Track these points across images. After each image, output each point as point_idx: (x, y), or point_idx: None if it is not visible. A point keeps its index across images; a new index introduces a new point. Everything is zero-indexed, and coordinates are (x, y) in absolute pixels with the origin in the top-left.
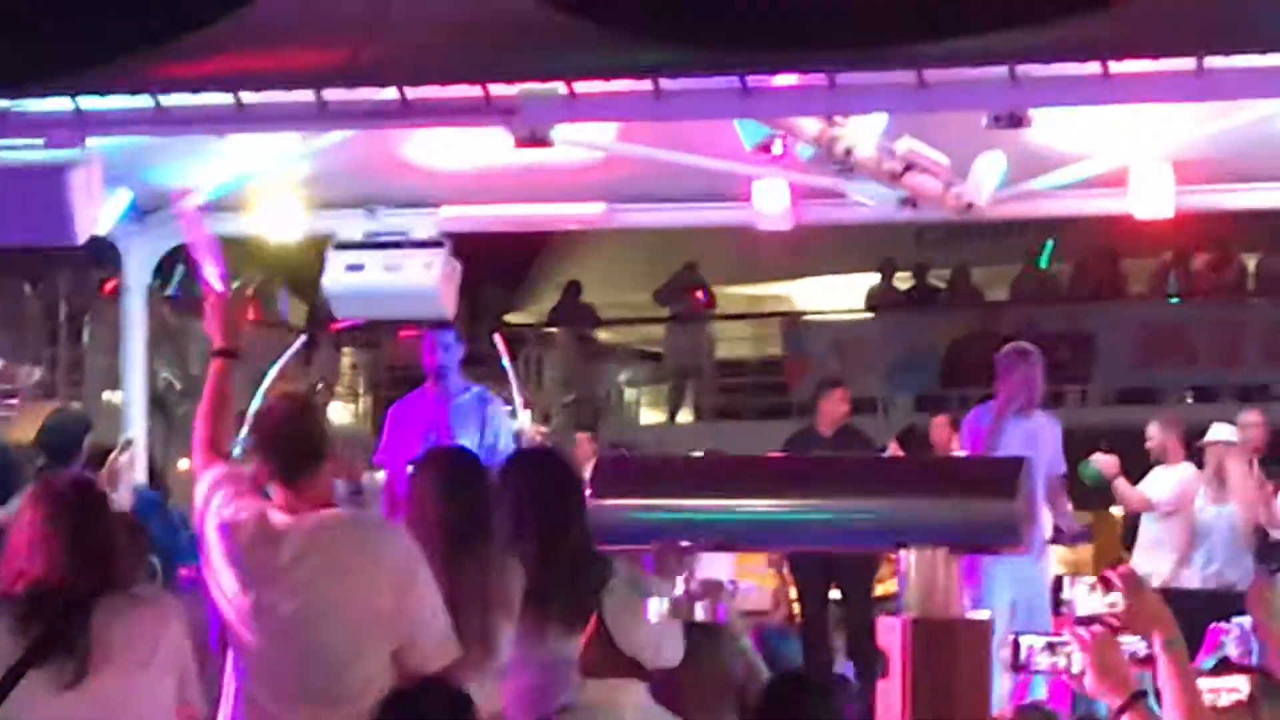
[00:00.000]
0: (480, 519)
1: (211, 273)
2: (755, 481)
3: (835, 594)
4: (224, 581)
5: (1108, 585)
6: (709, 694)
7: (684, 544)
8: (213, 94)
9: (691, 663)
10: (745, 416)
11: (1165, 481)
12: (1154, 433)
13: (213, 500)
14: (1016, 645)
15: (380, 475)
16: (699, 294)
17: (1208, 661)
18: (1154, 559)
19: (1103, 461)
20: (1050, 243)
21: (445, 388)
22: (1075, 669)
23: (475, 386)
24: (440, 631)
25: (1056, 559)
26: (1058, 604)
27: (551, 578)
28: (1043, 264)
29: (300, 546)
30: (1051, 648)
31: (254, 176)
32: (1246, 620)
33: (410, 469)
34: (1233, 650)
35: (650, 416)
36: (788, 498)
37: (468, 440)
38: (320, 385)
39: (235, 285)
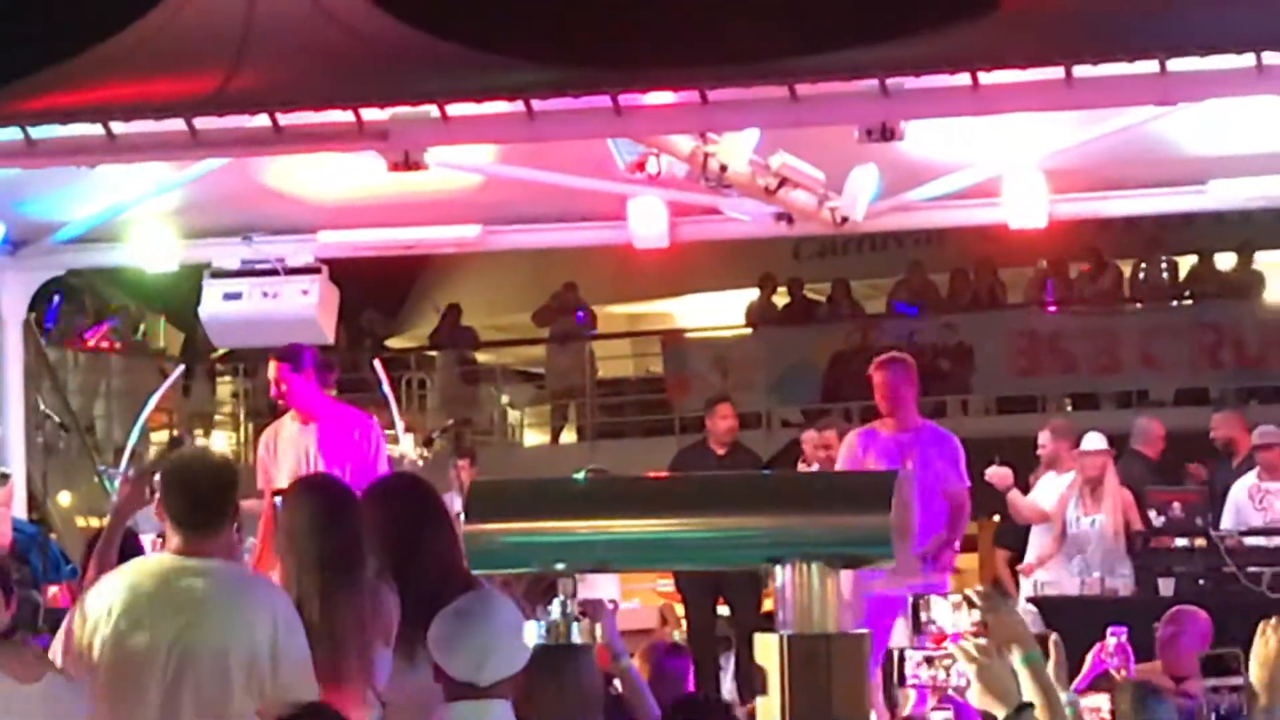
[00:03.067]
0: (352, 545)
1: None
2: (630, 502)
3: (725, 609)
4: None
5: (970, 604)
6: (571, 713)
7: (559, 566)
8: (83, 125)
9: (554, 681)
10: (629, 435)
11: (1056, 490)
12: (1045, 440)
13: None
14: (901, 659)
15: (257, 505)
16: (578, 314)
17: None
18: (1045, 567)
19: (996, 475)
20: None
21: (306, 413)
22: (956, 681)
23: (343, 408)
24: (310, 679)
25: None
26: (918, 624)
27: (414, 604)
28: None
29: (180, 602)
30: (930, 661)
31: (127, 207)
32: (1124, 630)
33: (278, 500)
34: (1111, 661)
35: (533, 438)
36: (663, 517)
37: (335, 464)
38: (179, 433)
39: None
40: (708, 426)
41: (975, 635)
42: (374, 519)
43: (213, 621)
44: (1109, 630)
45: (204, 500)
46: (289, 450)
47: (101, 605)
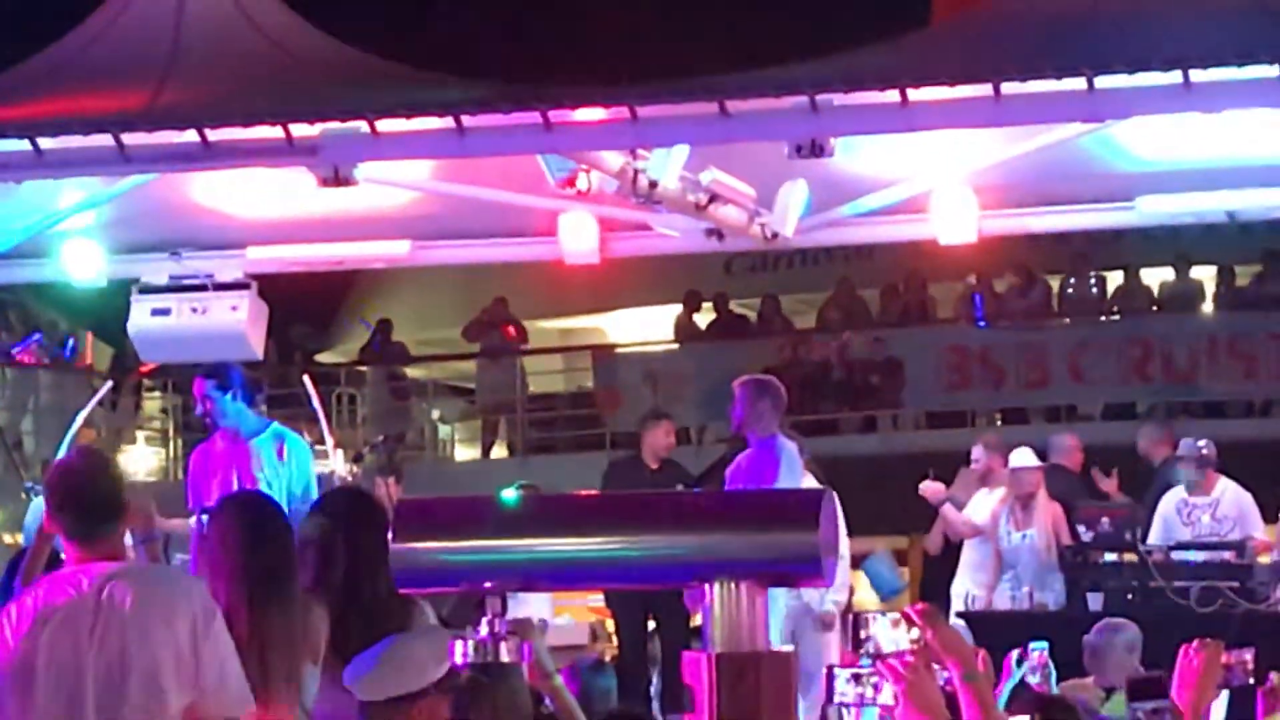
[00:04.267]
0: (281, 563)
1: None
2: (560, 521)
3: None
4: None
5: (909, 621)
6: None
7: (487, 586)
8: (9, 140)
9: (485, 700)
10: (560, 450)
11: (988, 504)
12: (978, 455)
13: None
14: (830, 676)
15: (187, 522)
16: (509, 329)
17: (1005, 689)
18: (975, 582)
19: (928, 489)
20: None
21: (233, 431)
22: (883, 699)
23: (272, 425)
24: (237, 680)
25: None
26: (858, 641)
27: (354, 621)
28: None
29: (91, 606)
30: (857, 679)
31: (55, 222)
32: (1044, 645)
33: (205, 516)
34: (1034, 678)
35: (464, 453)
36: (591, 536)
37: (264, 480)
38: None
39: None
40: (644, 440)
41: (914, 653)
42: (327, 532)
43: (135, 626)
44: (1030, 646)
45: (96, 506)
46: (218, 468)
47: (17, 623)
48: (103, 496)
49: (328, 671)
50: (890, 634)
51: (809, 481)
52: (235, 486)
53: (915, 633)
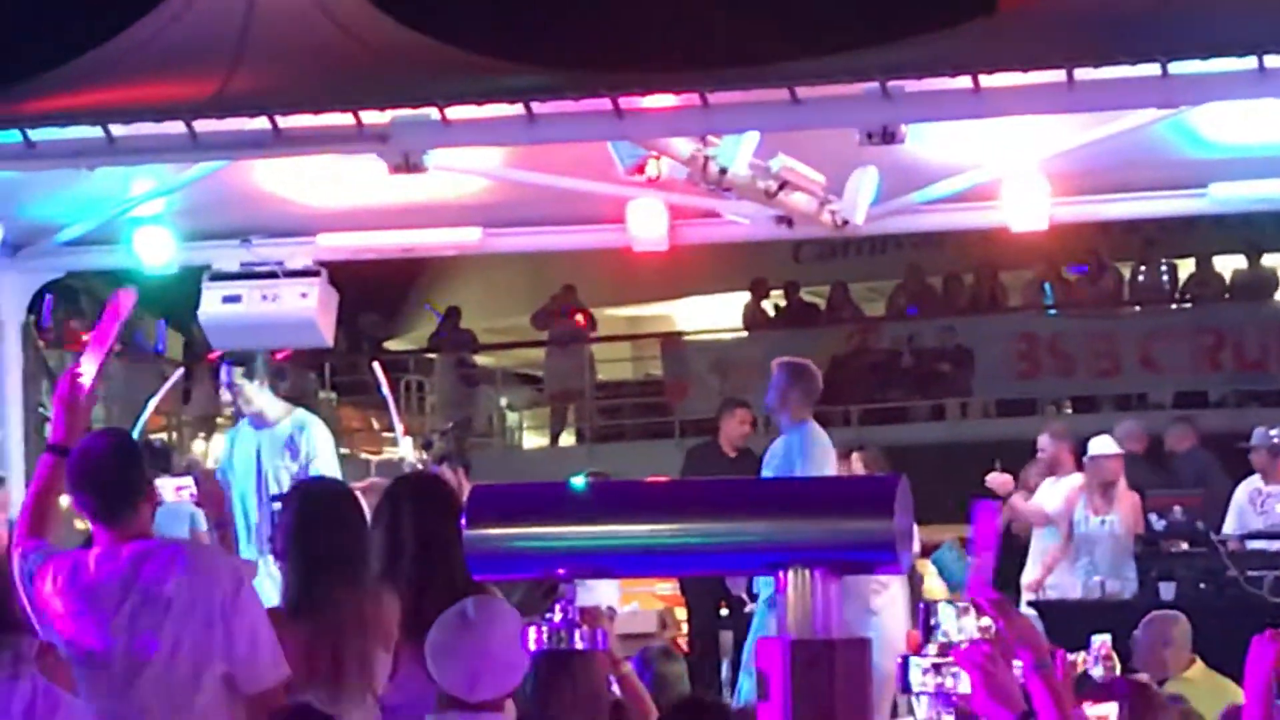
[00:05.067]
0: (353, 548)
1: (89, 368)
2: (633, 508)
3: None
4: (53, 634)
5: (979, 609)
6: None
7: (561, 573)
8: (82, 128)
9: (556, 691)
10: (628, 438)
11: (1058, 493)
12: (1045, 444)
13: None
14: (905, 666)
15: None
16: (578, 316)
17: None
18: (1041, 569)
19: (996, 480)
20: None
21: (258, 417)
22: (962, 689)
23: (295, 412)
24: (269, 648)
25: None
26: (928, 629)
27: (428, 607)
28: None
29: (123, 581)
30: (937, 669)
31: (127, 209)
32: (1107, 638)
33: (278, 503)
34: (1097, 670)
35: (532, 440)
36: (664, 523)
37: (284, 467)
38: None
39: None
40: (721, 428)
41: (990, 641)
42: (399, 517)
43: (167, 599)
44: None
45: (119, 486)
46: (241, 454)
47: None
48: (123, 476)
49: (399, 657)
50: (959, 622)
51: (840, 470)
52: (259, 473)
53: (985, 621)
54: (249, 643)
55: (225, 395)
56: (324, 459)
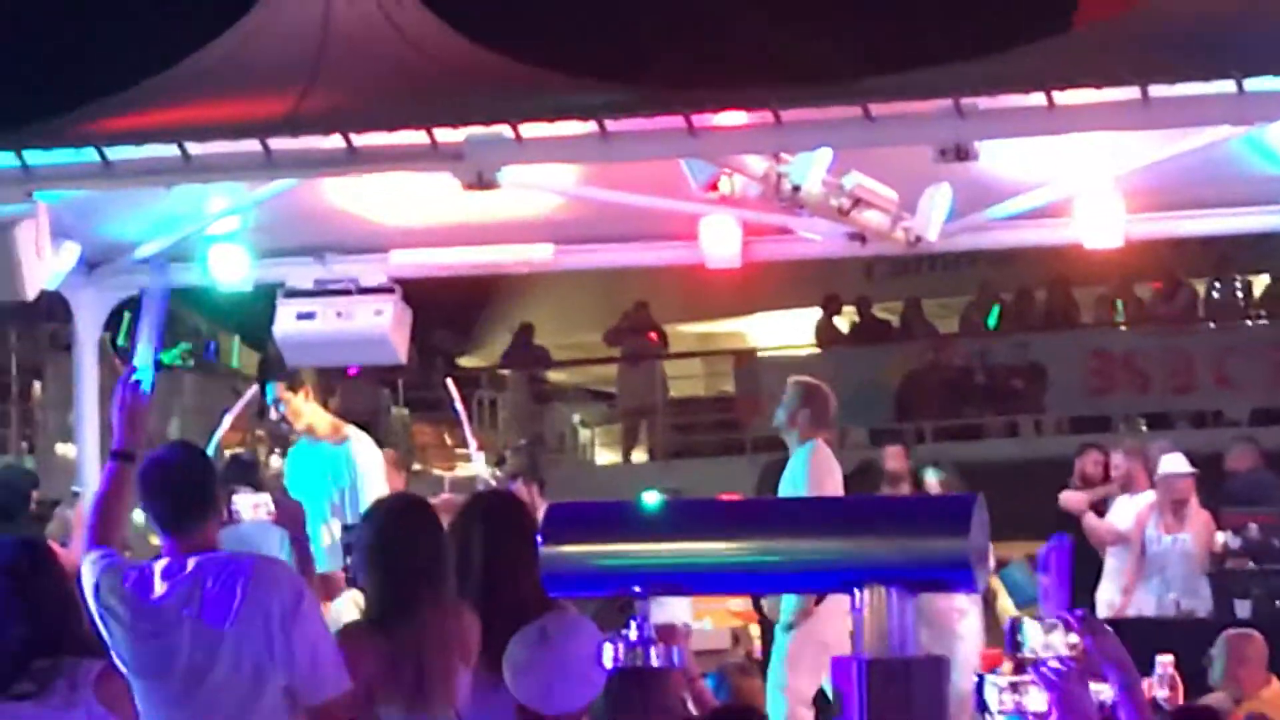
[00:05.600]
0: (434, 565)
1: (145, 366)
2: (709, 526)
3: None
4: (118, 641)
5: (1067, 626)
6: None
7: (636, 590)
8: (158, 146)
9: (631, 708)
10: (700, 454)
11: (1131, 512)
12: (1119, 462)
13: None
14: (981, 685)
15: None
16: (650, 333)
17: None
18: (1118, 588)
19: (1069, 499)
20: (997, 306)
21: (309, 434)
22: (1036, 707)
23: (344, 428)
24: (331, 660)
25: None
26: (1016, 645)
27: (496, 625)
28: (990, 324)
29: (186, 592)
30: (1014, 688)
31: (202, 226)
32: (1170, 658)
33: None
34: (1161, 691)
35: (604, 457)
36: (740, 541)
37: (331, 482)
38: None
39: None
40: None
41: (1072, 659)
42: (474, 535)
43: (230, 611)
44: (1156, 657)
45: (188, 498)
46: (301, 472)
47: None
48: (193, 488)
49: (478, 675)
50: (1046, 639)
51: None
52: (319, 490)
53: (1074, 638)
54: (309, 655)
55: (273, 413)
56: (372, 477)
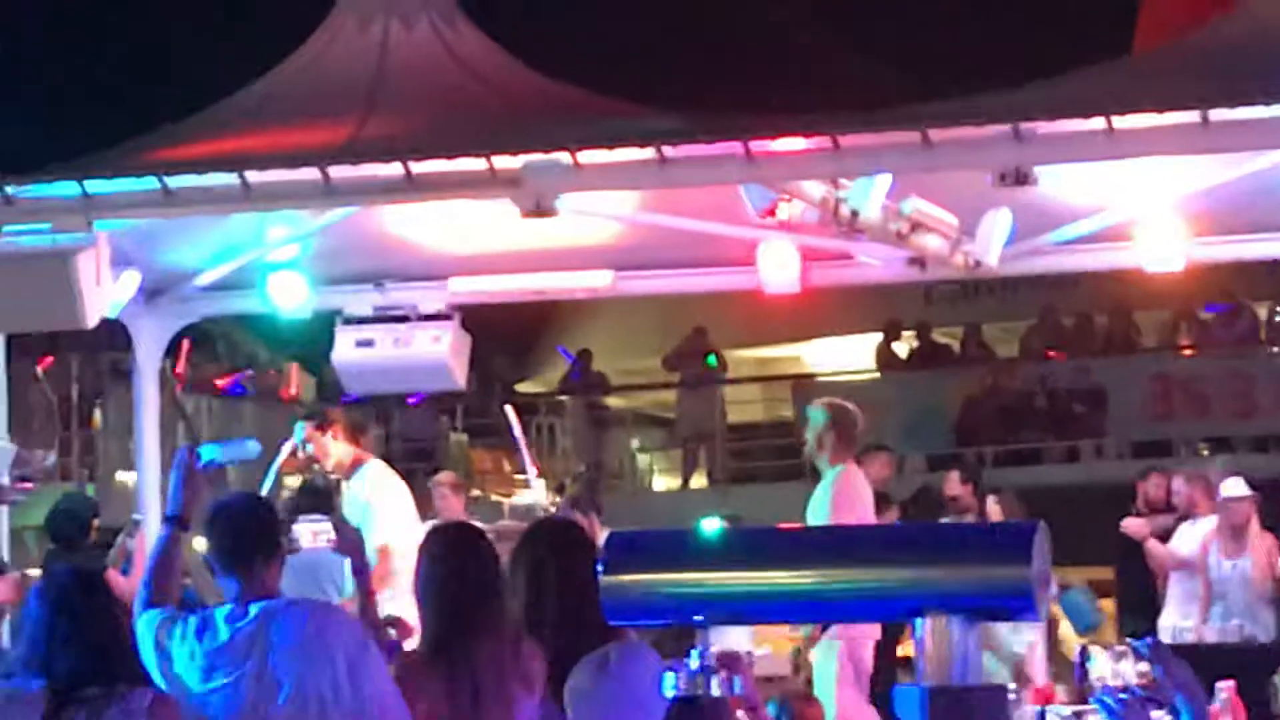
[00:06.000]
0: (488, 590)
1: (211, 448)
2: (770, 555)
3: None
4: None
5: (1136, 654)
6: None
7: (697, 619)
8: (218, 174)
9: None
10: (759, 480)
11: (1194, 537)
12: (1179, 487)
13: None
14: (1043, 716)
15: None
16: (709, 358)
17: None
18: (1182, 614)
19: (1131, 525)
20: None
21: (339, 471)
22: None
23: (365, 460)
24: (395, 705)
25: None
26: (1084, 673)
27: (567, 653)
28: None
29: (249, 637)
30: (1079, 717)
31: (261, 254)
32: (1230, 684)
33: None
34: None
35: (663, 482)
36: (801, 569)
37: (365, 521)
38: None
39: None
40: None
41: (1141, 687)
42: (540, 563)
43: (290, 659)
44: (1218, 683)
45: (252, 544)
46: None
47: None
48: (255, 535)
49: (545, 704)
50: (1115, 667)
51: (878, 516)
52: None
53: (1143, 666)
54: (377, 704)
55: (300, 452)
56: (381, 504)
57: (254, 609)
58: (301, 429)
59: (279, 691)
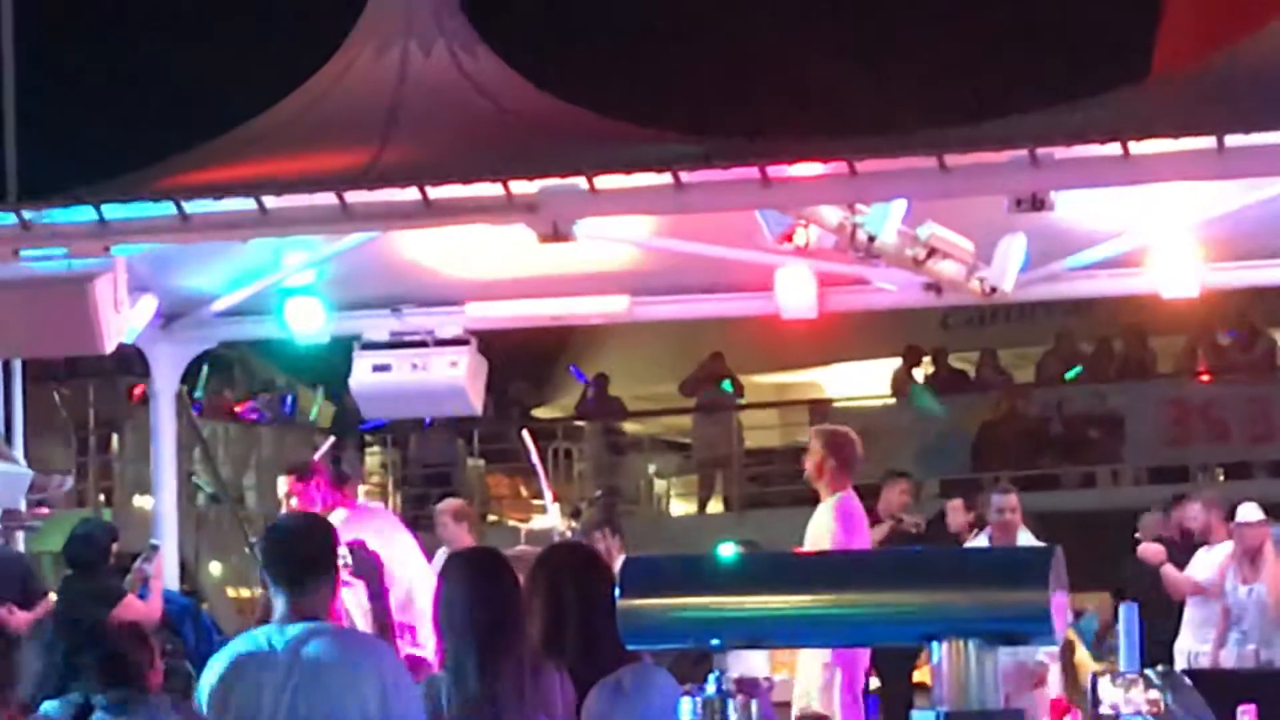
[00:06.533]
0: (509, 617)
1: None
2: (787, 579)
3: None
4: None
5: (1147, 682)
6: None
7: (714, 643)
8: (235, 199)
9: None
10: (776, 505)
11: (1210, 563)
12: (1196, 513)
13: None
14: None
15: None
16: (725, 383)
17: None
18: (1198, 639)
19: (1148, 550)
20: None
21: None
22: None
23: (364, 514)
24: None
25: None
26: (1096, 700)
27: (584, 678)
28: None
29: (288, 654)
30: None
31: (278, 280)
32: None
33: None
34: None
35: (680, 507)
36: (818, 593)
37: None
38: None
39: None
40: (883, 496)
41: (1152, 714)
42: (558, 589)
43: (323, 685)
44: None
45: (302, 562)
46: None
47: (214, 676)
48: (310, 555)
49: None
50: (1127, 694)
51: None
52: None
53: (1153, 693)
54: None
55: (285, 506)
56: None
57: (298, 628)
58: (284, 483)
59: (311, 712)
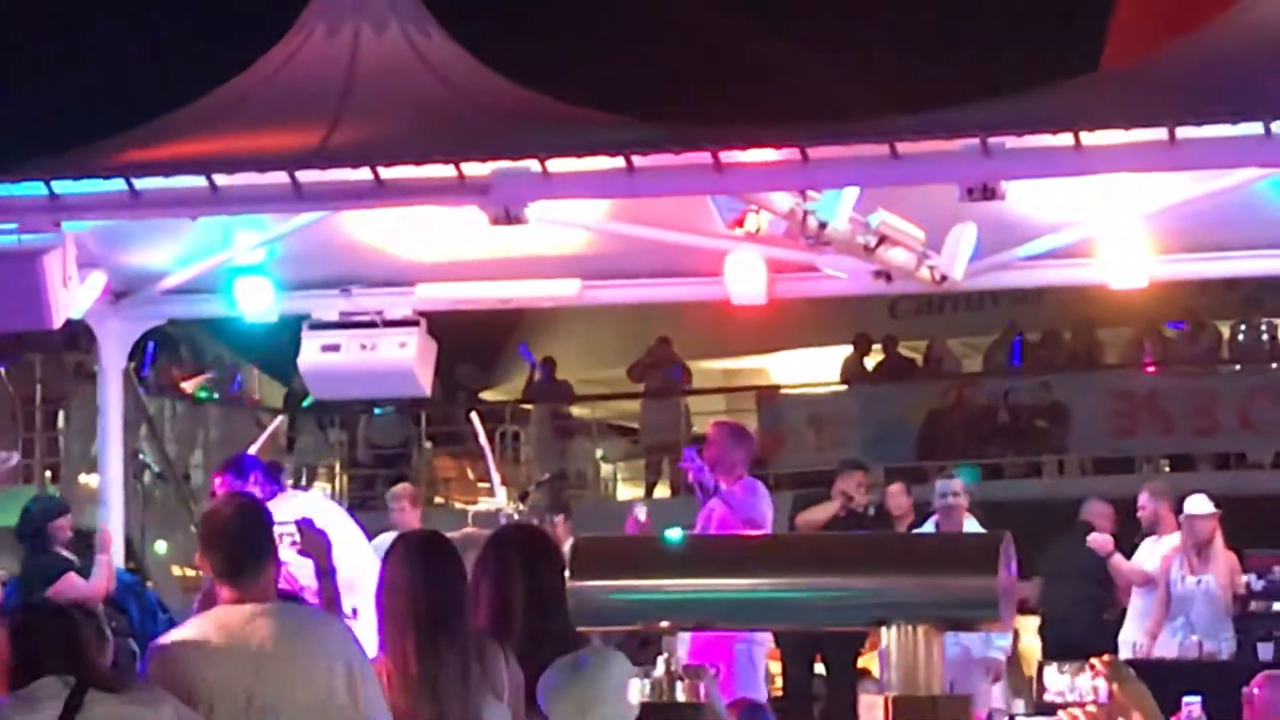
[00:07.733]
0: (452, 600)
1: None
2: (737, 561)
3: (820, 667)
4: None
5: (1093, 672)
6: None
7: (664, 625)
8: (186, 177)
9: None
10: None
11: (1157, 553)
12: (1145, 502)
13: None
14: None
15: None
16: (674, 370)
17: None
18: (1142, 629)
19: (1096, 540)
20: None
21: None
22: None
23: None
24: (383, 708)
25: None
26: (1041, 689)
27: (545, 659)
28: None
29: (242, 636)
30: None
31: (228, 258)
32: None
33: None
34: None
35: (627, 492)
36: (767, 576)
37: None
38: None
39: None
40: (836, 485)
41: (1097, 704)
42: (506, 570)
43: (288, 665)
44: (1183, 701)
45: (241, 547)
46: None
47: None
48: (247, 538)
49: (518, 710)
50: (1072, 684)
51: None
52: None
53: (1098, 682)
54: (372, 705)
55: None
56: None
57: (249, 609)
58: (216, 482)
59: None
